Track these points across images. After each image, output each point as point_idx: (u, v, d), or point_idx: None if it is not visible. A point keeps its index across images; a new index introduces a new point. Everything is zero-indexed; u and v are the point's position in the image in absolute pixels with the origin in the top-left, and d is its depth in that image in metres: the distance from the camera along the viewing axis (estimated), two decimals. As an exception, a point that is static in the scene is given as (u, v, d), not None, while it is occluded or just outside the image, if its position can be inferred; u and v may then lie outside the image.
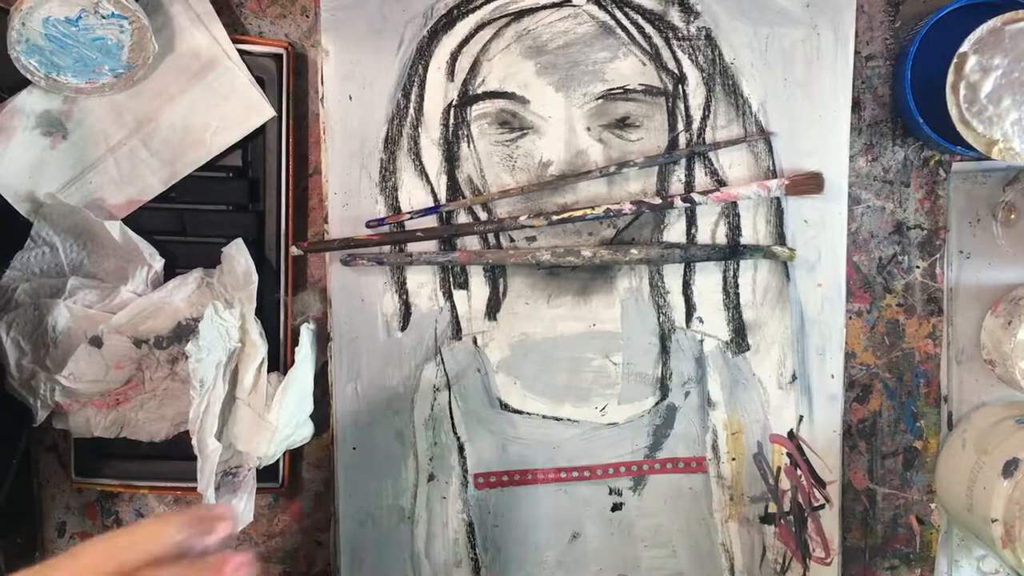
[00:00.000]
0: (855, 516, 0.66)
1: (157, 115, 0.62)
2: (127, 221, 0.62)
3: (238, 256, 0.61)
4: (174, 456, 0.63)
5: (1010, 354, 0.61)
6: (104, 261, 0.63)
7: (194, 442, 0.58)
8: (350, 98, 0.62)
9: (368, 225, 0.63)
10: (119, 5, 0.57)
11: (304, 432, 0.64)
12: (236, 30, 0.64)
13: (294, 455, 0.67)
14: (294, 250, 0.63)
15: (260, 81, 0.62)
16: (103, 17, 0.57)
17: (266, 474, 0.63)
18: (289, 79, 0.63)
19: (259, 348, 0.61)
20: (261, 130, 0.63)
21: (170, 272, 0.63)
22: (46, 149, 0.62)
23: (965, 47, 0.56)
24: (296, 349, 0.62)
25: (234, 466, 0.62)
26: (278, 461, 0.64)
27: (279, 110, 0.62)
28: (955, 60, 0.56)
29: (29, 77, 0.58)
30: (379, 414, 0.64)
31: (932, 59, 0.59)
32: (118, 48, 0.58)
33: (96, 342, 0.61)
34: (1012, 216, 0.64)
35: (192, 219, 0.64)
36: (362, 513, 0.65)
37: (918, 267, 0.65)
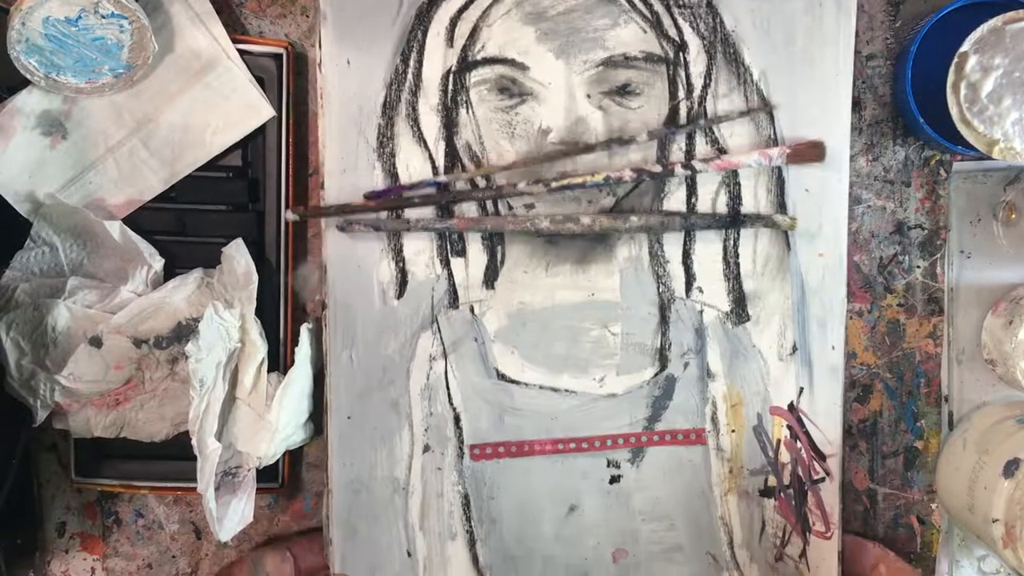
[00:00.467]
0: (856, 516, 0.66)
1: (157, 115, 0.62)
2: (127, 221, 0.62)
3: (238, 256, 0.61)
4: (174, 456, 0.63)
5: (1011, 354, 0.61)
6: (104, 261, 0.63)
7: (194, 442, 0.58)
8: (348, 63, 0.61)
9: (366, 197, 0.62)
10: (119, 5, 0.57)
11: (304, 432, 0.64)
12: (236, 30, 0.64)
13: (294, 455, 0.67)
14: (291, 215, 0.62)
15: (260, 81, 0.62)
16: (103, 17, 0.57)
17: (266, 474, 0.63)
18: (289, 79, 0.63)
19: (259, 348, 0.61)
20: (261, 130, 0.63)
21: (170, 272, 0.63)
22: (46, 149, 0.62)
23: (966, 47, 0.56)
24: (296, 349, 0.62)
25: (234, 466, 0.62)
26: (278, 461, 0.64)
27: (279, 110, 0.62)
28: (956, 60, 0.56)
29: (29, 77, 0.58)
30: (374, 383, 0.63)
31: (932, 59, 0.59)
32: (118, 48, 0.58)
33: (96, 342, 0.61)
34: (1013, 216, 0.64)
35: (192, 219, 0.64)
36: (356, 483, 0.63)
37: (919, 267, 0.65)
